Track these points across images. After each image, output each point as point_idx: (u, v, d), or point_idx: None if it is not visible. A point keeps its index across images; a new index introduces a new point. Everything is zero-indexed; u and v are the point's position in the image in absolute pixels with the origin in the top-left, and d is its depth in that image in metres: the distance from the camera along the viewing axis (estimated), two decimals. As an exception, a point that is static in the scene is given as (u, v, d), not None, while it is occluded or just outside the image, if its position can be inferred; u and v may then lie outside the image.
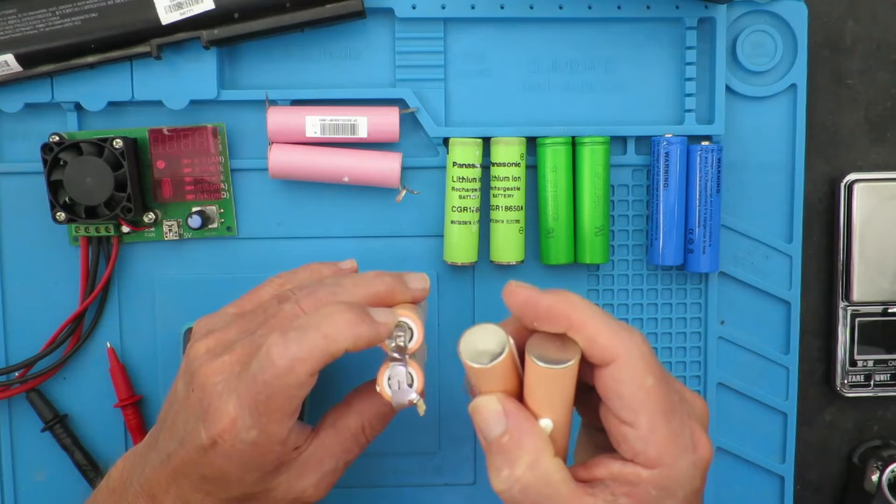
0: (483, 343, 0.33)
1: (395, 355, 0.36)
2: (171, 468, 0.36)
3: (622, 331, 0.32)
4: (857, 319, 0.51)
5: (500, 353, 0.32)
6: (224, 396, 0.34)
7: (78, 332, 0.48)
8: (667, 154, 0.47)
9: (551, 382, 0.33)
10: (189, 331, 0.47)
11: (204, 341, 0.37)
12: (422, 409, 0.36)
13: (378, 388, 0.36)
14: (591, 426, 0.37)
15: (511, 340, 0.33)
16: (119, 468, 0.39)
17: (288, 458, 0.36)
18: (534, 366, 0.32)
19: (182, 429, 0.36)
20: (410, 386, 0.36)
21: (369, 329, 0.35)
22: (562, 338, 0.33)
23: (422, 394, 0.36)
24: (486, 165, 0.48)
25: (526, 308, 0.33)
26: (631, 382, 0.32)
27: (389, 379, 0.36)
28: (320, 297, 0.37)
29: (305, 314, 0.36)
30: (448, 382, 0.50)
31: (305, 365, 0.33)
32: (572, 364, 0.32)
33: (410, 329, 0.37)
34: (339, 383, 0.47)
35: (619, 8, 0.48)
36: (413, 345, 0.36)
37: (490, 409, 0.33)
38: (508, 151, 0.47)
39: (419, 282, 0.39)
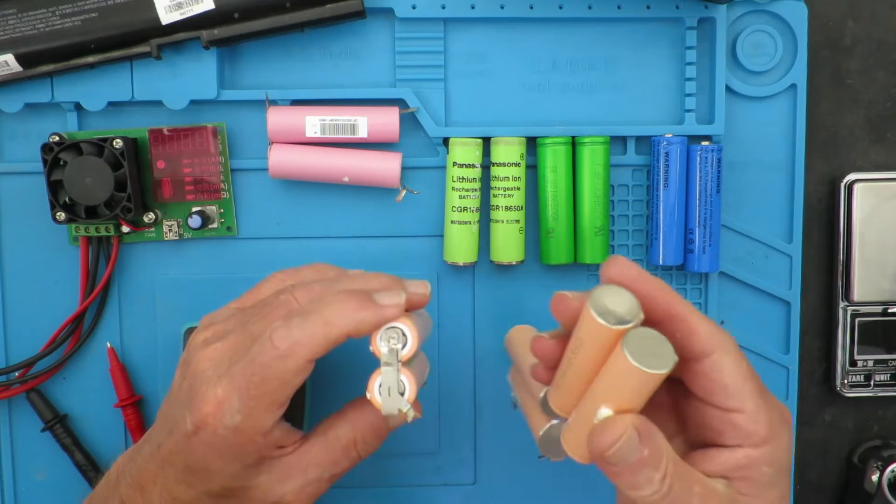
0: (614, 304, 0.30)
1: (388, 360, 0.35)
2: (159, 458, 0.36)
3: (713, 323, 0.33)
4: (857, 319, 0.51)
5: (631, 321, 0.30)
6: (213, 381, 0.34)
7: (78, 332, 0.48)
8: (667, 154, 0.47)
9: (640, 383, 0.30)
10: (189, 330, 0.47)
11: (203, 333, 0.37)
12: (411, 417, 0.35)
13: (368, 396, 0.35)
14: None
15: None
16: (118, 463, 0.39)
17: (269, 454, 0.36)
18: (626, 363, 0.29)
19: (172, 417, 0.36)
20: (402, 395, 0.35)
21: (372, 313, 0.34)
22: (656, 339, 0.30)
23: (414, 404, 0.35)
24: (486, 165, 0.48)
25: (631, 285, 0.32)
26: (733, 370, 0.32)
27: (380, 386, 0.35)
28: (315, 290, 0.36)
29: (299, 304, 0.36)
30: (448, 383, 0.50)
31: (305, 349, 0.34)
32: (668, 371, 0.30)
33: (405, 335, 0.35)
34: (341, 395, 0.47)
35: (619, 8, 0.48)
36: (407, 351, 0.35)
37: (630, 439, 0.30)
38: (508, 151, 0.47)
39: (419, 287, 0.38)
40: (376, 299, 0.35)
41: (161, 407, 0.39)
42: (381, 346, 0.35)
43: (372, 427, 0.38)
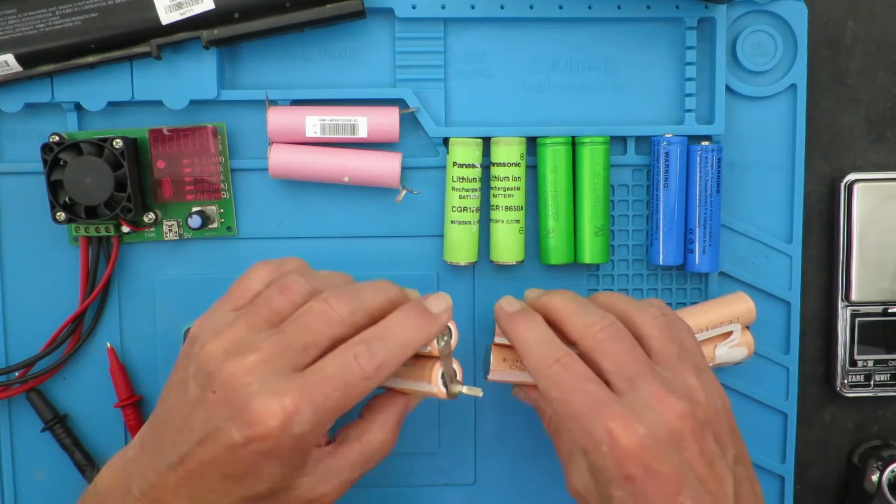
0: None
1: (444, 353, 0.40)
2: (184, 470, 0.36)
3: (541, 363, 0.38)
4: (857, 319, 0.51)
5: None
6: (266, 394, 0.35)
7: (78, 332, 0.48)
8: (667, 154, 0.47)
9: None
10: (189, 331, 0.47)
11: (217, 342, 0.37)
12: (478, 392, 0.40)
13: (434, 389, 0.40)
14: None
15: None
16: (107, 478, 0.39)
17: (310, 455, 0.37)
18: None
19: (201, 430, 0.36)
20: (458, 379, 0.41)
21: (435, 326, 0.39)
22: None
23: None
24: (486, 165, 0.48)
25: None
26: (542, 391, 0.38)
27: (442, 376, 0.40)
28: (347, 299, 0.38)
29: (339, 314, 0.37)
30: (448, 382, 0.50)
31: (387, 370, 0.37)
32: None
33: (450, 329, 0.40)
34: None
35: (619, 8, 0.48)
36: (454, 342, 0.41)
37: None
38: (508, 151, 0.47)
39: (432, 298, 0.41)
40: (430, 309, 0.39)
41: (160, 414, 0.38)
42: (435, 342, 0.40)
43: (397, 422, 0.41)
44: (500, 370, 0.44)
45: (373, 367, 0.36)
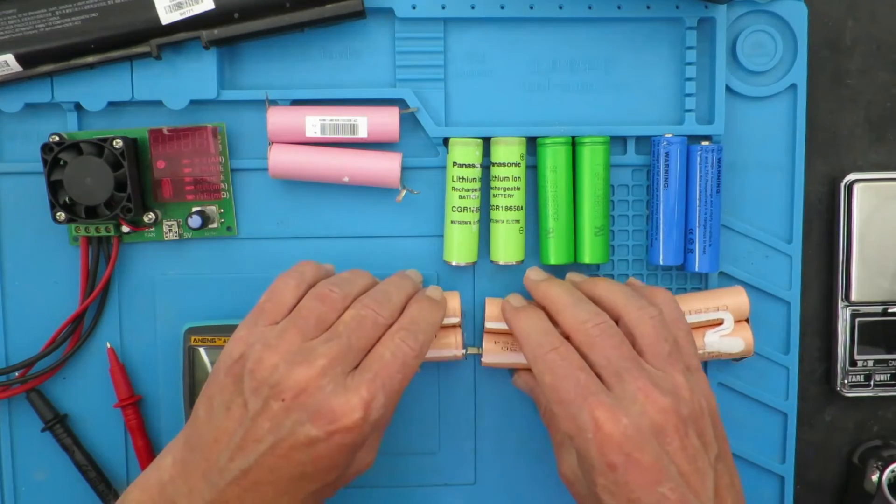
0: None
1: (459, 324, 0.47)
2: (250, 481, 0.37)
3: (538, 350, 0.41)
4: (857, 319, 0.51)
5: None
6: (342, 392, 0.38)
7: (78, 332, 0.48)
8: (667, 154, 0.47)
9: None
10: (190, 330, 0.47)
11: (273, 354, 0.38)
12: (477, 351, 0.49)
13: (459, 354, 0.47)
14: None
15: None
16: (140, 499, 0.39)
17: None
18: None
19: (269, 438, 0.37)
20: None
21: (443, 309, 0.45)
22: None
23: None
24: (486, 165, 0.48)
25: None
26: (536, 376, 0.41)
27: (464, 343, 0.47)
28: (385, 303, 0.42)
29: (383, 316, 0.41)
30: (448, 383, 0.50)
31: (428, 345, 0.42)
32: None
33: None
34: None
35: (619, 8, 0.48)
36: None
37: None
38: (508, 151, 0.47)
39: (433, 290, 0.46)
40: (434, 297, 0.45)
41: (204, 437, 0.39)
42: (452, 319, 0.47)
43: (406, 384, 0.43)
44: (492, 353, 0.48)
45: (419, 345, 0.41)
